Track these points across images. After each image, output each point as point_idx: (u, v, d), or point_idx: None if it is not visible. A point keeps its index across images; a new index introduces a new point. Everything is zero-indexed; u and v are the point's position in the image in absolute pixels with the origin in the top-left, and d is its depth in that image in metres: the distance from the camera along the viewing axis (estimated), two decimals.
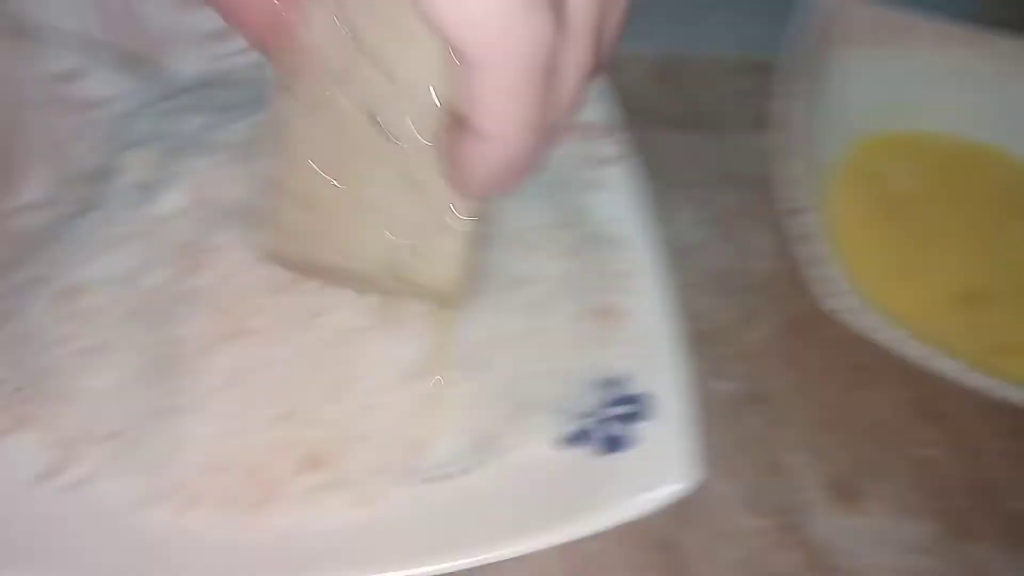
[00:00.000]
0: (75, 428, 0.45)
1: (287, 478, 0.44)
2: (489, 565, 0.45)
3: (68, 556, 0.41)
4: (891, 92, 0.63)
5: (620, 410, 0.47)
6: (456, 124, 0.31)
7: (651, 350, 0.49)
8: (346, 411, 0.45)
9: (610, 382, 0.48)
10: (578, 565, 0.47)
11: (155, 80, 0.60)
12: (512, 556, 0.44)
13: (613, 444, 0.46)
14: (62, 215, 0.52)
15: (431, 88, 0.32)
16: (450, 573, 0.45)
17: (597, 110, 0.59)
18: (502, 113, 0.27)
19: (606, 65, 0.33)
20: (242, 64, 0.63)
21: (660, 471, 0.44)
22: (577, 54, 0.28)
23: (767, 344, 0.57)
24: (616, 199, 0.56)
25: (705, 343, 0.55)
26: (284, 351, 0.45)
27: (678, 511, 0.49)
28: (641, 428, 0.46)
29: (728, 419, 0.53)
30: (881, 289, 0.52)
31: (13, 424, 0.45)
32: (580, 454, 0.46)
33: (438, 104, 0.32)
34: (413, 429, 0.45)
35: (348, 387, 0.45)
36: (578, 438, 0.46)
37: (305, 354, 0.45)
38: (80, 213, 0.51)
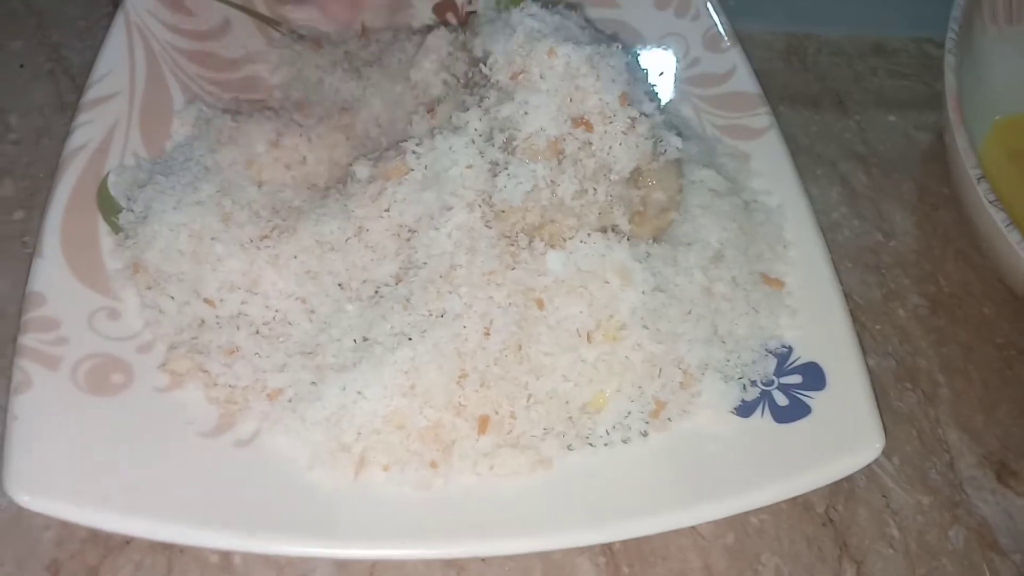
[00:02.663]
0: (243, 383, 0.44)
1: (462, 438, 0.43)
2: (659, 534, 0.45)
3: (241, 511, 0.40)
4: None
5: (794, 379, 0.46)
6: None
7: (820, 320, 0.48)
8: (519, 373, 0.44)
9: (782, 350, 0.47)
10: (742, 537, 0.46)
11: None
12: (688, 525, 0.44)
13: (790, 413, 0.45)
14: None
15: None
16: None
17: (745, 82, 0.59)
18: None
19: None
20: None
21: (843, 440, 0.44)
22: None
23: (914, 322, 0.56)
24: (767, 170, 0.55)
25: (854, 319, 0.54)
26: (460, 310, 0.44)
27: (841, 486, 0.49)
28: (817, 397, 0.45)
29: (883, 395, 0.52)
30: None
31: (177, 379, 0.44)
32: (756, 423, 0.45)
33: None
34: (584, 392, 0.45)
35: (521, 349, 0.45)
36: (753, 406, 0.45)
37: (482, 314, 0.44)
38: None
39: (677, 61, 0.62)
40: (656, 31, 0.63)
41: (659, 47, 0.63)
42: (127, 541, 0.42)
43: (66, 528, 0.42)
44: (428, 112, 0.47)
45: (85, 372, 0.42)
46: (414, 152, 0.46)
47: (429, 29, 0.63)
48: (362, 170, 0.47)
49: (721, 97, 0.59)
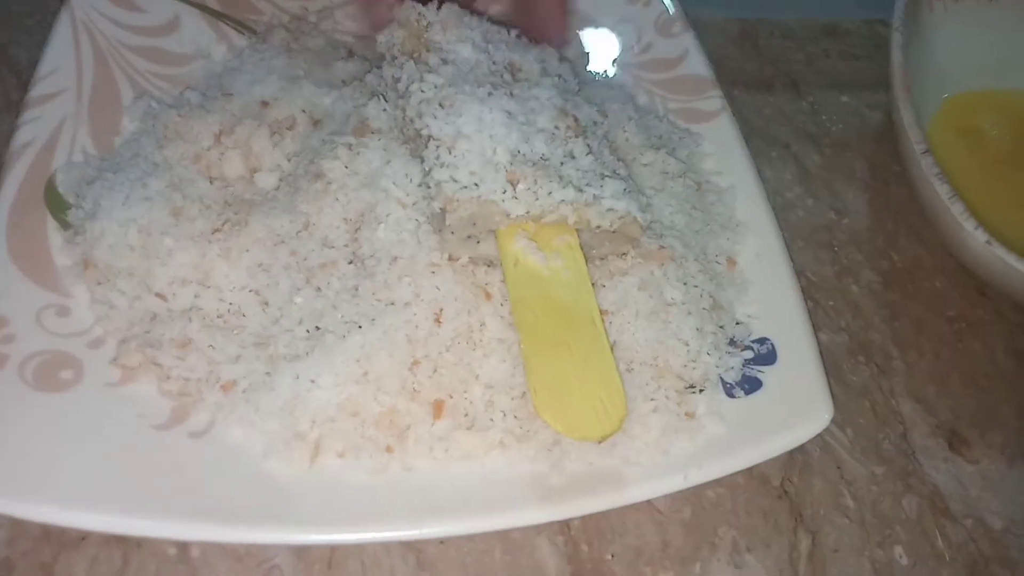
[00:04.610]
0: (197, 375, 0.44)
1: (417, 423, 0.43)
2: (615, 510, 0.45)
3: (199, 501, 0.40)
4: (979, 51, 0.63)
5: (746, 354, 0.47)
6: None
7: (771, 296, 0.49)
8: (472, 359, 0.44)
9: (735, 327, 0.48)
10: (699, 511, 0.46)
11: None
12: (646, 499, 0.44)
13: (742, 387, 0.46)
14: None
15: None
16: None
17: (697, 66, 0.59)
18: None
19: None
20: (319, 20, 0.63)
21: (794, 412, 0.44)
22: None
23: (867, 297, 0.57)
24: (718, 152, 0.56)
25: (808, 296, 0.54)
26: (408, 299, 0.44)
27: (796, 458, 0.50)
28: (769, 372, 0.46)
29: (837, 369, 0.53)
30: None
31: (129, 373, 0.44)
32: (710, 398, 0.45)
33: None
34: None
35: (474, 335, 0.45)
36: (706, 382, 0.46)
37: (430, 302, 0.44)
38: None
39: (630, 46, 0.62)
40: (609, 17, 0.64)
41: (612, 33, 0.63)
42: (82, 537, 0.42)
43: (18, 526, 0.41)
44: (355, 133, 0.47)
45: (34, 369, 0.42)
46: (350, 149, 0.46)
47: None
48: (304, 166, 0.47)
49: (673, 81, 0.60)
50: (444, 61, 0.48)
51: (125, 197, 0.47)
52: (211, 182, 0.51)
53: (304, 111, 0.53)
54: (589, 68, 0.60)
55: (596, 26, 0.63)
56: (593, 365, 0.41)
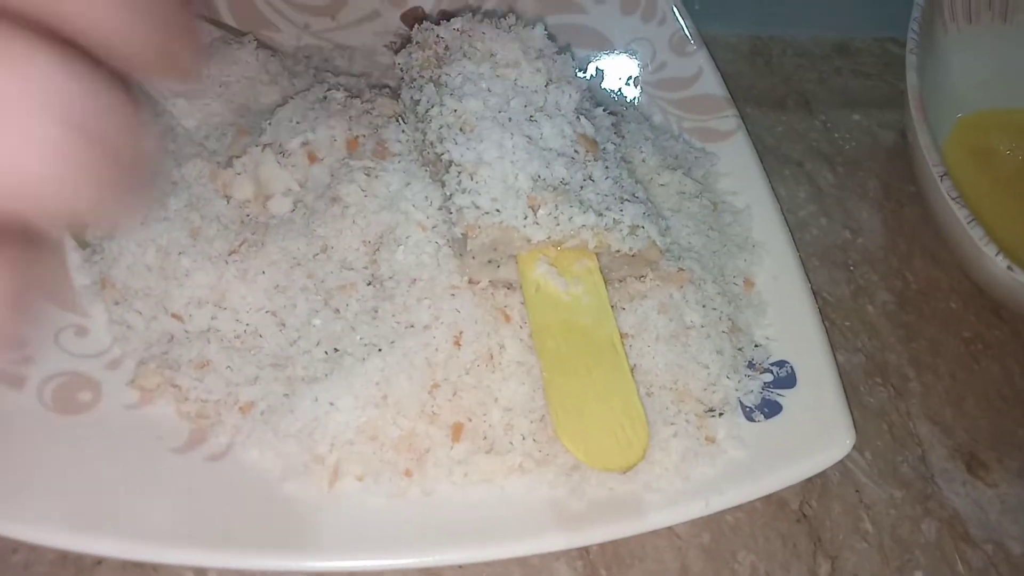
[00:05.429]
0: (215, 397, 0.44)
1: (436, 447, 0.43)
2: (635, 536, 0.45)
3: (214, 526, 0.40)
4: (993, 70, 0.63)
5: (765, 377, 0.47)
6: None
7: (789, 318, 0.49)
8: (491, 382, 0.44)
9: (754, 350, 0.48)
10: (719, 536, 0.46)
11: None
12: (667, 525, 0.44)
13: (762, 411, 0.45)
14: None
15: None
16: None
17: (711, 85, 0.59)
18: None
19: None
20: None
21: (815, 437, 0.44)
22: None
23: (883, 318, 0.57)
24: (734, 171, 0.56)
25: (824, 316, 0.54)
26: (427, 321, 0.44)
27: (814, 482, 0.49)
28: (788, 395, 0.46)
29: (854, 390, 0.53)
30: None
31: (147, 395, 0.44)
32: (730, 422, 0.45)
33: None
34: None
35: (493, 358, 0.45)
36: (726, 406, 0.46)
37: (450, 324, 0.44)
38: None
39: (645, 65, 0.62)
40: (623, 36, 0.64)
41: (626, 52, 0.63)
42: (98, 562, 0.41)
43: (34, 551, 0.41)
44: (374, 155, 0.47)
45: (52, 391, 0.42)
46: (367, 174, 0.46)
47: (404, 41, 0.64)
48: (321, 190, 0.47)
49: (688, 100, 0.60)
50: (463, 84, 0.48)
51: (144, 217, 0.47)
52: (227, 201, 0.51)
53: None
54: (604, 87, 0.60)
55: (610, 45, 0.63)
56: (614, 391, 0.41)
